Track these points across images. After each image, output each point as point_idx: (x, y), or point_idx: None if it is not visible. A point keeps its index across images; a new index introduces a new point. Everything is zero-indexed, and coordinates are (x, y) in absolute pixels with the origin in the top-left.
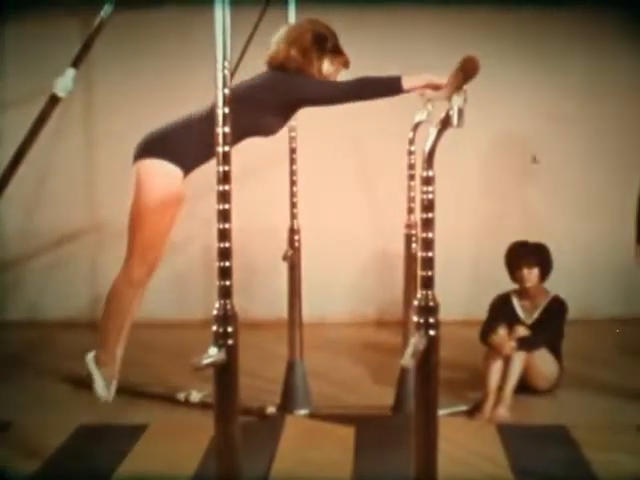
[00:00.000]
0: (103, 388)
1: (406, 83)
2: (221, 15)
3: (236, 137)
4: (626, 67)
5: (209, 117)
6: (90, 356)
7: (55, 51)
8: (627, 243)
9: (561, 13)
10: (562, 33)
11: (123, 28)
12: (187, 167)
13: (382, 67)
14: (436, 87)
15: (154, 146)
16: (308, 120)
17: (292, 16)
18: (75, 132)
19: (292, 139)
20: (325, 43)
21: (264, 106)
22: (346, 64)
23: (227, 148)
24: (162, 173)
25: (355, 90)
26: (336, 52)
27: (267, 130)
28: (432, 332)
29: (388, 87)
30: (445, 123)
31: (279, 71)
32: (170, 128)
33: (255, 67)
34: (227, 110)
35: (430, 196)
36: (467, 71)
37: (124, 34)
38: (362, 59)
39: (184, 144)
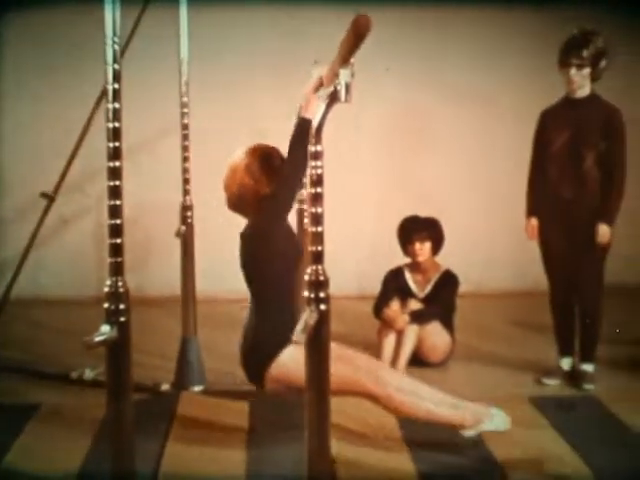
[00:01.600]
0: None
1: (306, 113)
2: None
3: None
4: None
5: None
6: None
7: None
8: (517, 217)
9: None
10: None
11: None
12: None
13: None
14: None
15: None
16: (200, 92)
17: None
18: None
19: (184, 115)
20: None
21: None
22: None
23: (117, 124)
24: None
25: (292, 159)
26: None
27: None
28: (323, 307)
29: (302, 131)
30: (333, 98)
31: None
32: None
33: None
34: (117, 86)
35: (319, 171)
36: (359, 29)
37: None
38: None
39: None
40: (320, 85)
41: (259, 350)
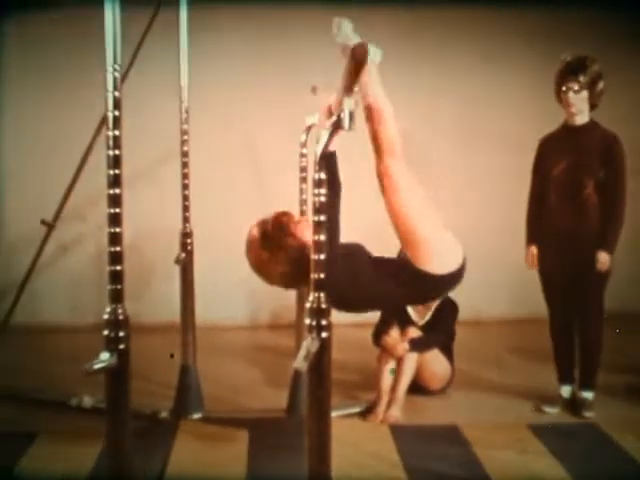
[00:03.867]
0: None
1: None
2: (111, 17)
3: None
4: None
5: None
6: None
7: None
8: (517, 245)
9: None
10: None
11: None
12: None
13: None
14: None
15: None
16: (200, 125)
17: (184, 20)
18: None
19: (184, 142)
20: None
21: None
22: None
23: (117, 152)
24: None
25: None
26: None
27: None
28: (324, 334)
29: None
30: (336, 126)
31: None
32: None
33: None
34: (117, 113)
35: (322, 199)
36: (357, 57)
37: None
38: None
39: None
40: (330, 114)
41: None
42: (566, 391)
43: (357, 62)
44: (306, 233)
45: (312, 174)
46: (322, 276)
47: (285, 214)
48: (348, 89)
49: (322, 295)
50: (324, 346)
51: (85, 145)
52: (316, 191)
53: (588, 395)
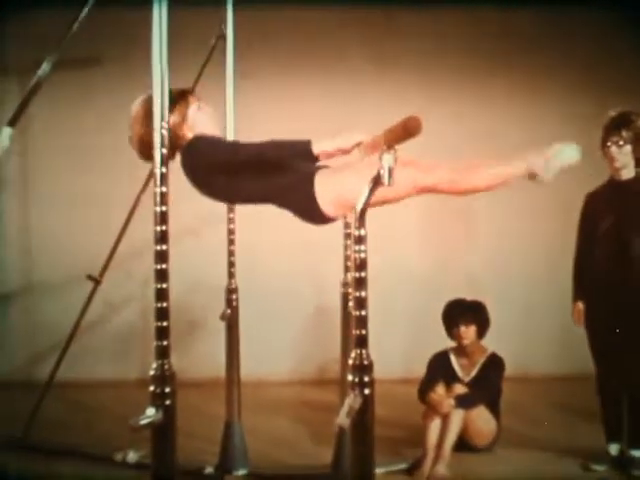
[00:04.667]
0: None
1: (316, 148)
2: (159, 76)
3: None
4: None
5: None
6: None
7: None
8: (564, 301)
9: None
10: None
11: (61, 86)
12: None
13: None
14: (345, 152)
15: None
16: None
17: (230, 70)
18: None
19: None
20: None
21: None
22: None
23: (164, 208)
24: None
25: (262, 149)
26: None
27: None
28: (367, 391)
29: (296, 149)
30: (376, 182)
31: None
32: None
33: None
34: (164, 170)
35: (363, 255)
36: (409, 130)
37: (62, 92)
38: None
39: None
40: (337, 153)
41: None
42: (614, 449)
43: (409, 134)
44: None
45: (353, 230)
46: (364, 332)
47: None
48: (390, 147)
49: (364, 351)
50: (366, 403)
51: (121, 200)
52: (357, 247)
53: (637, 453)
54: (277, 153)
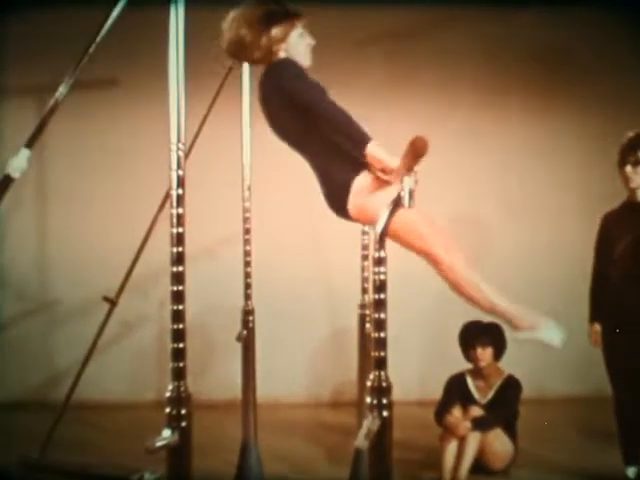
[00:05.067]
0: None
1: (370, 149)
2: (176, 96)
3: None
4: None
5: None
6: None
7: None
8: (580, 322)
9: None
10: None
11: (79, 106)
12: None
13: None
14: (384, 171)
15: None
16: (262, 197)
17: (246, 90)
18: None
19: (246, 220)
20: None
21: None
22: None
23: (180, 229)
24: None
25: (333, 112)
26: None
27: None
28: (385, 413)
29: (352, 136)
30: (396, 204)
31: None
32: None
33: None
34: (181, 191)
35: (382, 277)
36: (417, 150)
37: (80, 113)
38: None
39: None
40: (380, 171)
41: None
42: (632, 472)
43: (418, 154)
44: None
45: (372, 252)
46: (383, 354)
47: None
48: (409, 171)
49: (383, 373)
50: (385, 425)
51: (140, 221)
52: (377, 269)
53: None
54: (345, 128)
